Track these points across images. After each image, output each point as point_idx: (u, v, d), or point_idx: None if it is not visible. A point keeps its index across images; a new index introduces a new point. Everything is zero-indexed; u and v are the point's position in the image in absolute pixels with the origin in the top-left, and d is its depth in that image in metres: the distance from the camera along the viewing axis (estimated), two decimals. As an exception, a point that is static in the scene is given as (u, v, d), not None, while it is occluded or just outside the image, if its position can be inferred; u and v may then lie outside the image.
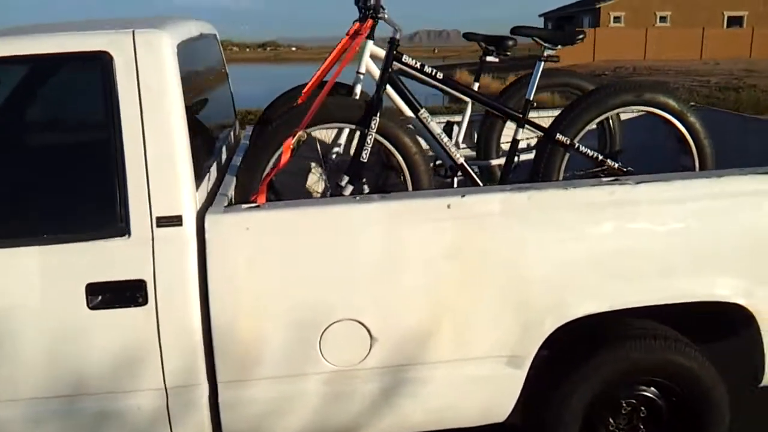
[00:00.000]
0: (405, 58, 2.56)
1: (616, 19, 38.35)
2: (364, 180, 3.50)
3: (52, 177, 2.01)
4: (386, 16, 2.49)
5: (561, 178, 2.59)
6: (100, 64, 1.97)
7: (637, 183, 2.14)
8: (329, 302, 2.05)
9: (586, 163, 2.79)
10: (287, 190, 3.30)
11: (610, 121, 3.31)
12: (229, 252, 1.99)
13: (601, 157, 2.65)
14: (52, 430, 2.05)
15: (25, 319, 1.97)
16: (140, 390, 2.04)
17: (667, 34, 34.34)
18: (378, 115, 2.41)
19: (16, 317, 1.97)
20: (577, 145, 2.55)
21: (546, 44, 2.66)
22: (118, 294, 1.97)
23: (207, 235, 1.98)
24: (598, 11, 38.54)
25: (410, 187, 2.52)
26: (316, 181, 3.40)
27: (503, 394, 2.21)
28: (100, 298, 1.97)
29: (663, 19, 38.16)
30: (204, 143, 2.48)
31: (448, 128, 3.47)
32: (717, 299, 2.22)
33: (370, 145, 2.44)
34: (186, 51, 2.21)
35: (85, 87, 2.07)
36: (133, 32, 2.00)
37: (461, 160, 2.63)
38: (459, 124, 3.44)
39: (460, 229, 2.07)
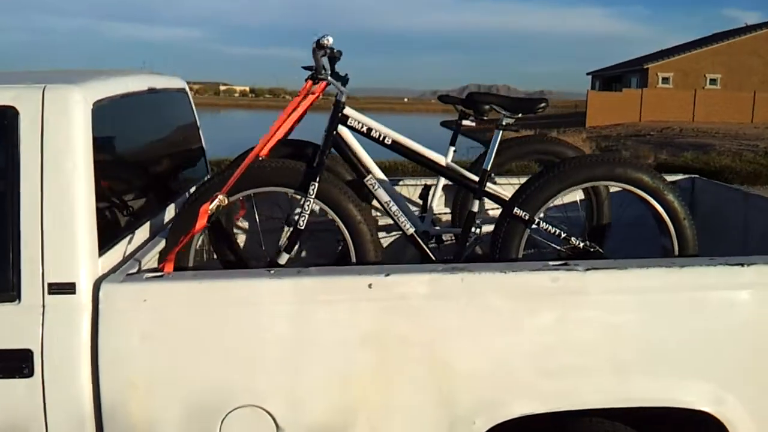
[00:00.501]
0: (351, 121, 2.40)
1: (665, 80, 37.93)
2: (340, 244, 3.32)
3: None
4: (328, 77, 2.34)
5: (520, 255, 2.37)
6: (4, 118, 1.87)
7: (587, 269, 1.91)
8: (231, 386, 1.86)
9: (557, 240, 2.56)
10: (257, 252, 3.14)
11: (596, 194, 3.08)
12: (124, 324, 1.83)
13: (564, 235, 2.42)
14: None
15: None
16: None
17: (716, 97, 33.76)
18: (318, 180, 2.25)
19: None
20: (536, 220, 2.33)
21: (504, 112, 2.47)
22: (3, 363, 1.82)
23: (101, 306, 1.82)
24: (646, 72, 38.23)
25: (353, 260, 2.34)
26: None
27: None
28: None
29: (713, 81, 37.58)
30: (133, 203, 2.35)
31: (424, 192, 3.29)
32: (681, 405, 1.94)
33: (308, 212, 2.28)
34: (114, 108, 2.11)
35: None
36: (44, 87, 1.90)
37: (411, 231, 2.43)
38: (436, 187, 3.26)
39: (382, 312, 1.87)
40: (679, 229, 2.36)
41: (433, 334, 1.88)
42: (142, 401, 1.84)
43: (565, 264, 1.94)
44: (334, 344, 1.86)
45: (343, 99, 2.37)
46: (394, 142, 2.42)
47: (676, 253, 2.38)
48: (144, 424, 1.85)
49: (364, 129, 2.40)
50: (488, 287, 1.89)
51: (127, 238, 2.14)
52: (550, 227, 2.38)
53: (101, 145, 1.98)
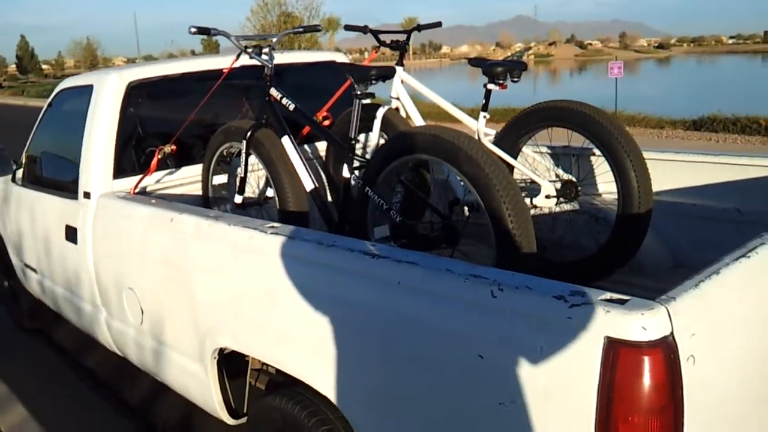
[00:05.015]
0: (272, 90, 2.78)
1: None
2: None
3: None
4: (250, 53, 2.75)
5: (370, 228, 2.38)
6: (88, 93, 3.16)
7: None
8: (120, 271, 2.78)
9: None
10: None
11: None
12: (99, 220, 2.94)
13: (386, 207, 2.26)
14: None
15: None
16: None
17: None
18: (248, 136, 2.74)
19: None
20: (367, 190, 2.29)
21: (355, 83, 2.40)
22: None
23: (95, 207, 2.97)
24: None
25: (277, 205, 2.74)
26: None
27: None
28: None
29: None
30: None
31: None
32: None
33: (243, 161, 2.80)
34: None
35: None
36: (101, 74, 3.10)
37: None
38: None
39: (174, 240, 2.44)
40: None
41: (187, 267, 2.39)
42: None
43: (265, 225, 2.10)
44: (157, 258, 2.54)
45: (268, 72, 2.77)
46: (295, 108, 2.70)
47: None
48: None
49: (278, 96, 2.75)
50: (213, 234, 2.27)
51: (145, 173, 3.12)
52: (377, 198, 2.29)
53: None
